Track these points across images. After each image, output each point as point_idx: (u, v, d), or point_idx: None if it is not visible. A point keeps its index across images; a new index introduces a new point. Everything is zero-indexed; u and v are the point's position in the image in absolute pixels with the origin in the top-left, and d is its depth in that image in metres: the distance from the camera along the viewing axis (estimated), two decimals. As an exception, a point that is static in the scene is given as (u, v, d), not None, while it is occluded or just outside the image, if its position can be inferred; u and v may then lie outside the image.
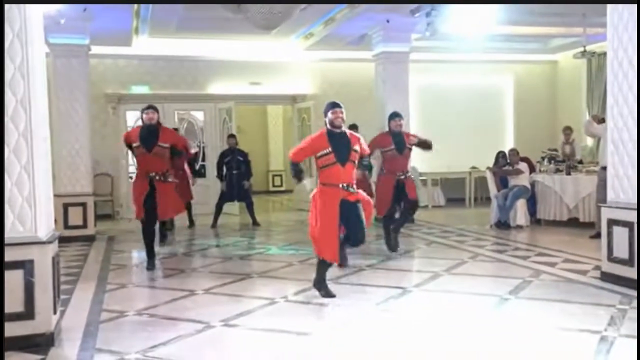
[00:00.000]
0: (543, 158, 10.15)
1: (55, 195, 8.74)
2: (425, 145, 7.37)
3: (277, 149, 17.68)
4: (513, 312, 4.83)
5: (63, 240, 8.04)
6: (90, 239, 8.91)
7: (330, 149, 5.05)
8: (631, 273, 5.26)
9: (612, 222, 5.49)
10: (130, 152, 8.20)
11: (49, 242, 4.12)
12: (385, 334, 4.33)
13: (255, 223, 10.33)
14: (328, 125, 5.15)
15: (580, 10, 9.66)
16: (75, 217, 9.02)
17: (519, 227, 9.30)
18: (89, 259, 7.58)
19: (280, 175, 17.62)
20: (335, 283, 5.61)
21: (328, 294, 5.20)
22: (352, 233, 5.21)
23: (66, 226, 8.91)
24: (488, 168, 10.14)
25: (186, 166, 9.51)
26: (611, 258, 5.51)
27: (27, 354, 3.89)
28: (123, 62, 12.21)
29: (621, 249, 5.37)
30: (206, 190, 12.08)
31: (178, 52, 12.22)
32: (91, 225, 9.15)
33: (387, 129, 7.44)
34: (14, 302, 3.94)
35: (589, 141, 12.06)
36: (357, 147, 5.19)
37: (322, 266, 5.23)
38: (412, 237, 8.80)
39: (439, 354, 3.92)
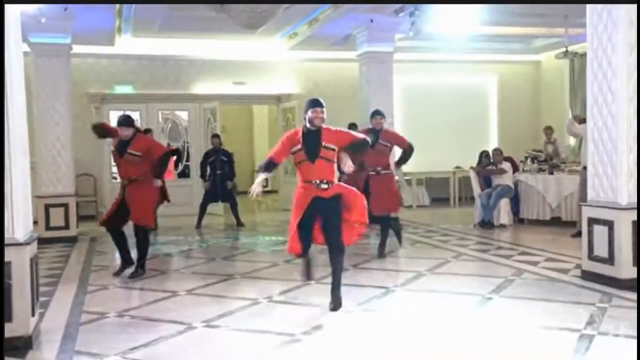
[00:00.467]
0: (526, 157, 10.23)
1: (37, 196, 8.79)
2: (404, 157, 7.23)
3: (262, 149, 17.58)
4: (495, 311, 4.85)
5: (44, 242, 8.03)
6: (72, 240, 8.82)
7: (300, 145, 4.90)
8: (611, 271, 5.32)
9: (592, 221, 5.54)
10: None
11: (27, 243, 4.07)
12: (368, 334, 4.33)
13: (239, 224, 10.29)
14: (307, 124, 4.93)
15: (562, 10, 9.75)
16: (56, 218, 8.93)
17: (502, 226, 9.36)
18: (70, 260, 7.51)
19: (266, 176, 17.55)
20: (318, 283, 5.60)
21: (306, 273, 5.21)
22: (326, 237, 4.89)
23: (48, 227, 8.83)
24: (472, 168, 10.19)
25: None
26: (591, 257, 5.56)
27: (5, 357, 3.83)
28: (106, 61, 12.11)
29: (601, 248, 5.42)
30: (190, 190, 12.01)
31: (162, 52, 12.13)
32: (73, 226, 9.06)
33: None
34: (-10, 305, 3.89)
35: (572, 141, 12.17)
36: (330, 145, 4.88)
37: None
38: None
39: (422, 353, 3.93)
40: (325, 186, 4.87)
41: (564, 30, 10.58)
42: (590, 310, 4.63)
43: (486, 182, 9.86)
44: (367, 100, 10.45)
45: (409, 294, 5.50)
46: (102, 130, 6.76)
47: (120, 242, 6.53)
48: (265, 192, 16.88)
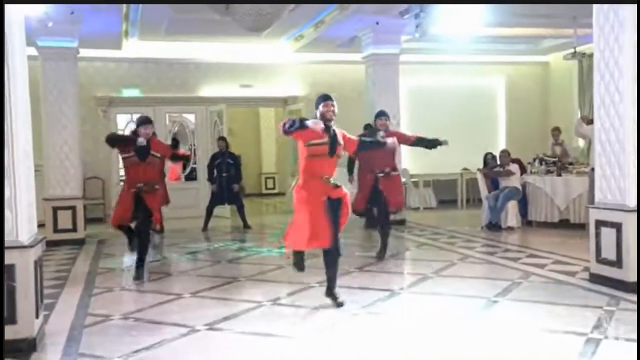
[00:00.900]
0: (534, 159, 10.15)
1: (44, 199, 8.85)
2: (425, 143, 7.22)
3: (269, 152, 17.64)
4: (501, 314, 4.81)
5: (52, 244, 8.08)
6: (79, 243, 8.86)
7: (327, 139, 4.88)
8: (619, 274, 5.25)
9: (599, 223, 5.48)
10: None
11: (31, 246, 4.08)
12: (372, 336, 4.30)
13: (246, 226, 10.29)
14: (320, 120, 4.92)
15: (570, 11, 9.68)
16: (64, 220, 8.98)
17: (510, 228, 9.29)
18: (77, 262, 7.53)
19: (273, 178, 17.58)
20: (322, 286, 5.56)
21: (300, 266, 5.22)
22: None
23: (55, 230, 8.88)
24: (479, 169, 10.13)
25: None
26: (599, 259, 5.50)
27: (9, 359, 3.85)
28: (113, 65, 12.17)
29: (609, 250, 5.36)
30: (196, 193, 12.03)
31: (168, 55, 12.19)
32: (81, 228, 9.10)
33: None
34: (-5, 307, 3.90)
35: (581, 142, 12.08)
36: (342, 142, 5.03)
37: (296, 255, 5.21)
38: (403, 239, 8.79)
39: (427, 356, 3.90)
40: (333, 183, 4.92)
41: (573, 31, 10.51)
42: (598, 314, 4.57)
43: (494, 184, 9.80)
44: (373, 102, 10.42)
45: (414, 296, 5.46)
46: (114, 141, 6.67)
47: (135, 233, 6.71)
48: (272, 195, 16.92)
